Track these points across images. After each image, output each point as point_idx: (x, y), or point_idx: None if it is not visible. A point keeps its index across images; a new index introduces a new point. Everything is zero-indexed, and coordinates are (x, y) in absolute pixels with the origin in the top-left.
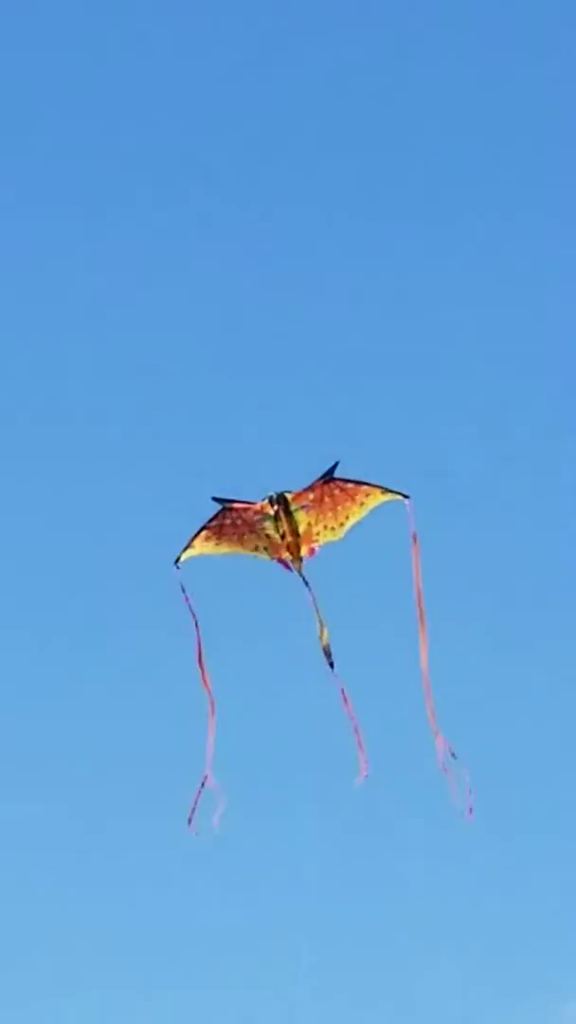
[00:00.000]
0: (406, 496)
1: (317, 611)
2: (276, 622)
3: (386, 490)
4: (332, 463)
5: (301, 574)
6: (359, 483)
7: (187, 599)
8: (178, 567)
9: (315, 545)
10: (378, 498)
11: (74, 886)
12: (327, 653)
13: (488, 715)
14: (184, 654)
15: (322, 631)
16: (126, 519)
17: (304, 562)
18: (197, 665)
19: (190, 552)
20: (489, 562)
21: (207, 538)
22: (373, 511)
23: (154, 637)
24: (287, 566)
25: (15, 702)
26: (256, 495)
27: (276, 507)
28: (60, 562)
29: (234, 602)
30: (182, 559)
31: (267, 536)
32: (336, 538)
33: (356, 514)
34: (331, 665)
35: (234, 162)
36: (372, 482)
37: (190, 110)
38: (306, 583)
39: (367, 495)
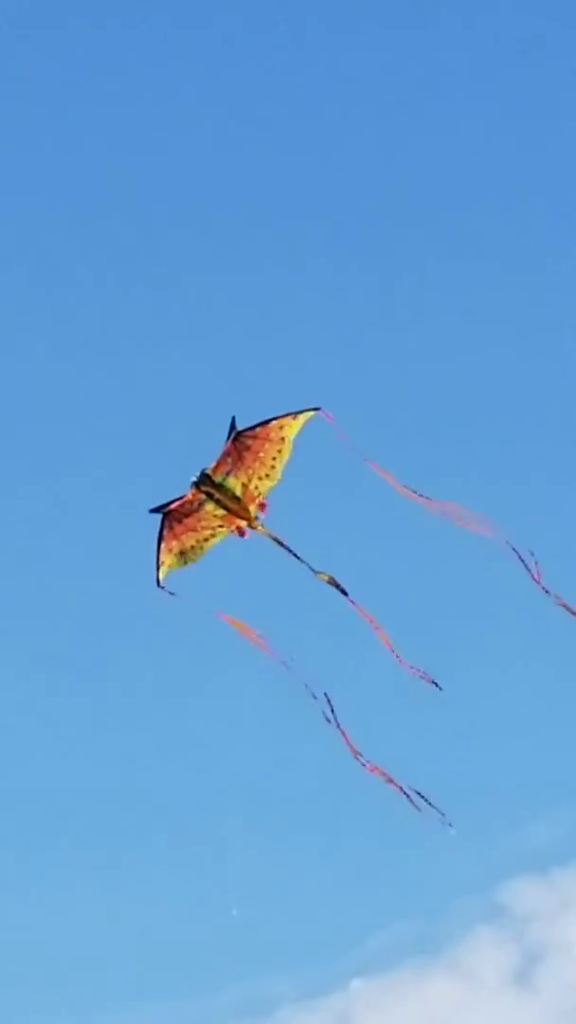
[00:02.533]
0: (317, 408)
1: (298, 558)
2: None
3: (295, 414)
4: (229, 420)
5: (265, 532)
6: (265, 422)
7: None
8: (163, 587)
9: (260, 499)
10: (293, 425)
11: None
12: (334, 585)
13: None
14: None
15: (316, 573)
16: None
17: (261, 519)
18: None
19: (164, 569)
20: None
21: (168, 549)
22: (298, 438)
23: None
24: (244, 532)
25: None
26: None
27: (204, 487)
28: None
29: None
30: (161, 578)
31: (215, 516)
32: (275, 482)
33: (282, 451)
34: (344, 592)
35: None
36: (277, 414)
37: None
38: (275, 539)
39: (281, 428)
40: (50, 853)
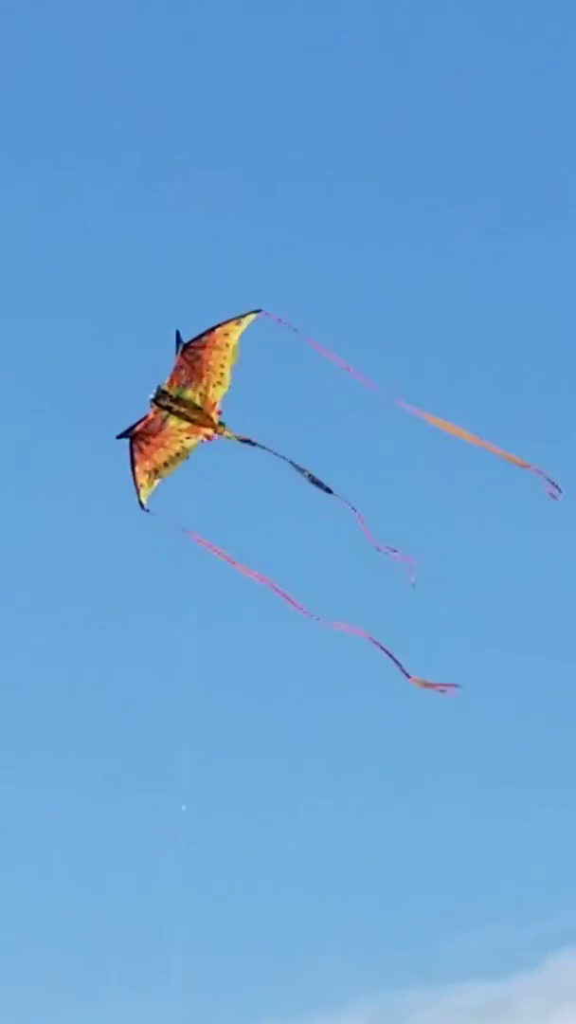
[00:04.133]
0: (258, 311)
1: (274, 452)
2: None
3: (238, 319)
4: (174, 334)
5: (231, 436)
6: (209, 331)
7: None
8: (147, 510)
9: (217, 406)
10: (236, 330)
11: None
12: (316, 483)
13: None
14: None
15: (297, 471)
16: None
17: (224, 425)
18: None
19: (144, 490)
20: None
21: (144, 470)
22: (242, 343)
23: None
24: (211, 438)
25: None
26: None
27: (162, 402)
28: None
29: None
30: (144, 500)
31: (180, 430)
32: (226, 388)
33: (229, 356)
34: (328, 490)
35: None
36: (218, 322)
37: None
38: (242, 440)
39: (225, 334)
40: None
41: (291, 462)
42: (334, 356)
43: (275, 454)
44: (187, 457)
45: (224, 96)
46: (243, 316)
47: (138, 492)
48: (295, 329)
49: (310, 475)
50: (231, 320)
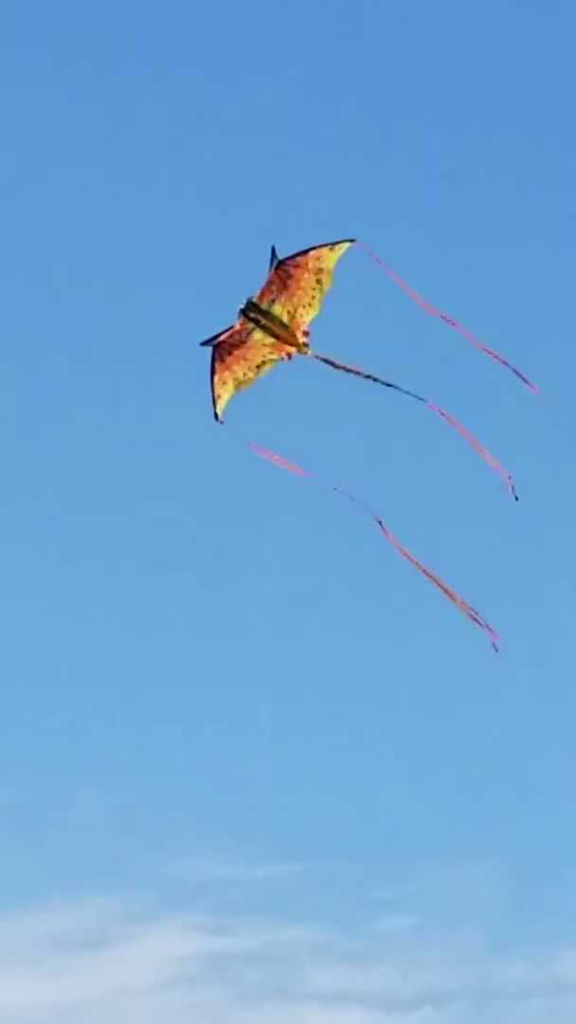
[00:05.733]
0: (352, 240)
1: (359, 372)
2: None
3: (332, 245)
4: (270, 249)
5: (314, 355)
6: (304, 252)
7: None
8: (221, 422)
9: (305, 327)
10: (330, 256)
11: None
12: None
13: None
14: None
15: (373, 380)
16: None
17: (308, 345)
18: None
19: (221, 402)
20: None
21: (222, 381)
22: (337, 270)
23: None
24: (293, 357)
25: None
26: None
27: (252, 315)
28: None
29: None
30: (219, 412)
31: (264, 345)
32: (316, 312)
33: (322, 281)
34: (420, 398)
35: None
36: (314, 245)
37: None
38: (324, 360)
39: (318, 259)
40: None
41: (374, 378)
42: (420, 299)
43: (360, 375)
44: (267, 372)
45: None
46: (337, 243)
47: (215, 403)
48: (386, 266)
49: (389, 383)
50: (325, 245)
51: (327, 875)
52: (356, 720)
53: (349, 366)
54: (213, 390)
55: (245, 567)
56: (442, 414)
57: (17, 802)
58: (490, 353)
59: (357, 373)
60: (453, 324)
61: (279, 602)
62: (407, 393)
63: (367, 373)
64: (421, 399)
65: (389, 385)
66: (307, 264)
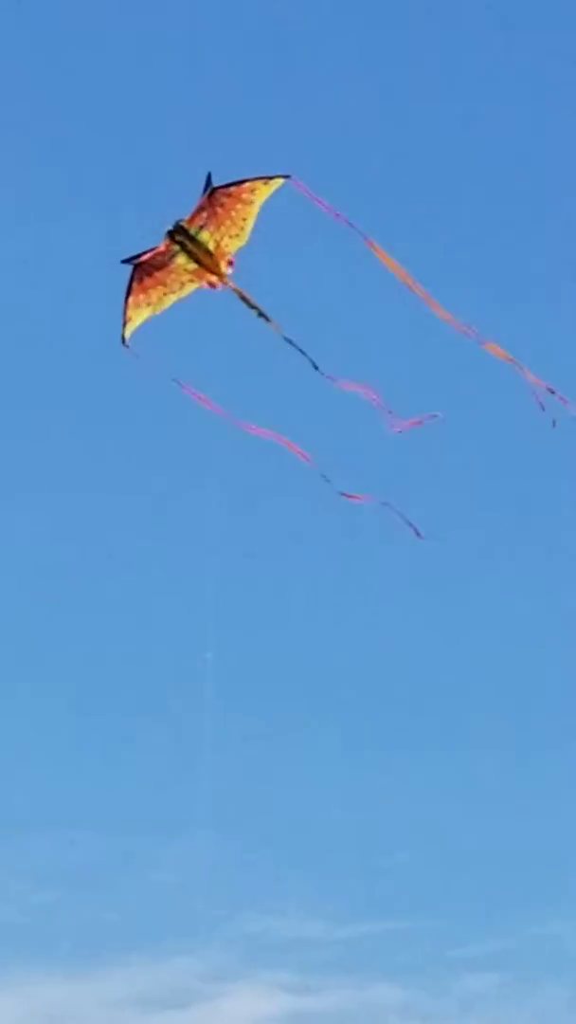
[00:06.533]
0: (287, 176)
1: (266, 317)
2: None
3: (267, 179)
4: (205, 175)
5: (234, 288)
6: (239, 183)
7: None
8: (127, 346)
9: (230, 256)
10: (263, 189)
11: None
12: (296, 348)
13: None
14: None
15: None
16: None
17: (230, 276)
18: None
19: (131, 325)
20: None
21: (137, 304)
22: (266, 204)
23: None
24: (214, 286)
25: None
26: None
27: (179, 238)
28: None
29: None
30: (127, 335)
31: (186, 270)
32: (243, 243)
33: (251, 213)
34: (315, 367)
35: None
36: (250, 176)
37: None
38: (243, 297)
39: (252, 191)
40: None
41: (276, 328)
42: (360, 229)
43: (268, 320)
44: (182, 297)
45: None
46: (272, 177)
47: (124, 326)
48: (321, 201)
49: (289, 340)
50: (260, 178)
51: (410, 933)
52: (434, 775)
53: (259, 307)
54: (125, 311)
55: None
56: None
57: (98, 861)
58: (428, 298)
59: (262, 316)
60: (379, 252)
61: None
62: (300, 351)
63: (270, 320)
64: (315, 367)
65: (287, 340)
66: (240, 195)
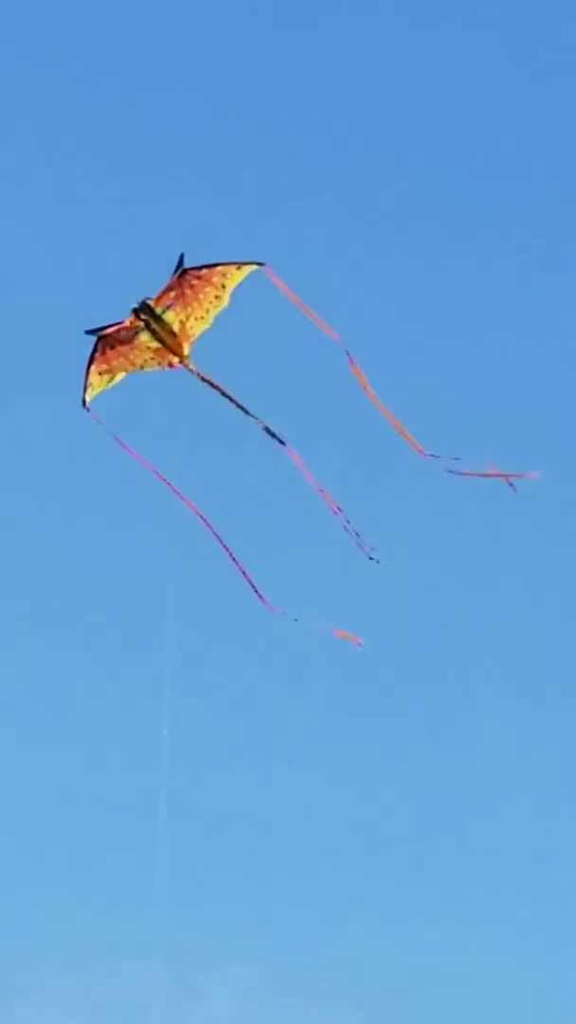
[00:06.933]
0: (261, 264)
1: (231, 399)
2: None
3: (240, 264)
4: (178, 256)
5: (193, 370)
6: (211, 266)
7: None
8: (88, 409)
9: (193, 339)
10: (236, 275)
11: None
12: (269, 433)
13: None
14: None
15: (250, 416)
16: None
17: (190, 358)
18: None
19: (92, 391)
20: None
21: (99, 372)
22: (237, 289)
23: None
24: (174, 367)
25: None
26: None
27: (144, 316)
28: None
29: None
30: (87, 400)
31: (148, 348)
32: (207, 326)
33: (220, 297)
34: (281, 442)
35: None
36: (223, 261)
37: None
38: (206, 379)
39: (224, 275)
40: None
41: (245, 408)
42: (327, 327)
43: (233, 402)
44: (145, 373)
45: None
46: (245, 264)
47: (85, 390)
48: (293, 292)
49: (265, 426)
50: (233, 263)
51: None
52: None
53: (224, 390)
54: (87, 378)
55: None
56: (297, 461)
57: (148, 996)
58: (377, 404)
59: (228, 399)
60: (352, 363)
61: None
62: (270, 434)
63: (238, 402)
64: (281, 443)
65: (255, 419)
66: (211, 278)
